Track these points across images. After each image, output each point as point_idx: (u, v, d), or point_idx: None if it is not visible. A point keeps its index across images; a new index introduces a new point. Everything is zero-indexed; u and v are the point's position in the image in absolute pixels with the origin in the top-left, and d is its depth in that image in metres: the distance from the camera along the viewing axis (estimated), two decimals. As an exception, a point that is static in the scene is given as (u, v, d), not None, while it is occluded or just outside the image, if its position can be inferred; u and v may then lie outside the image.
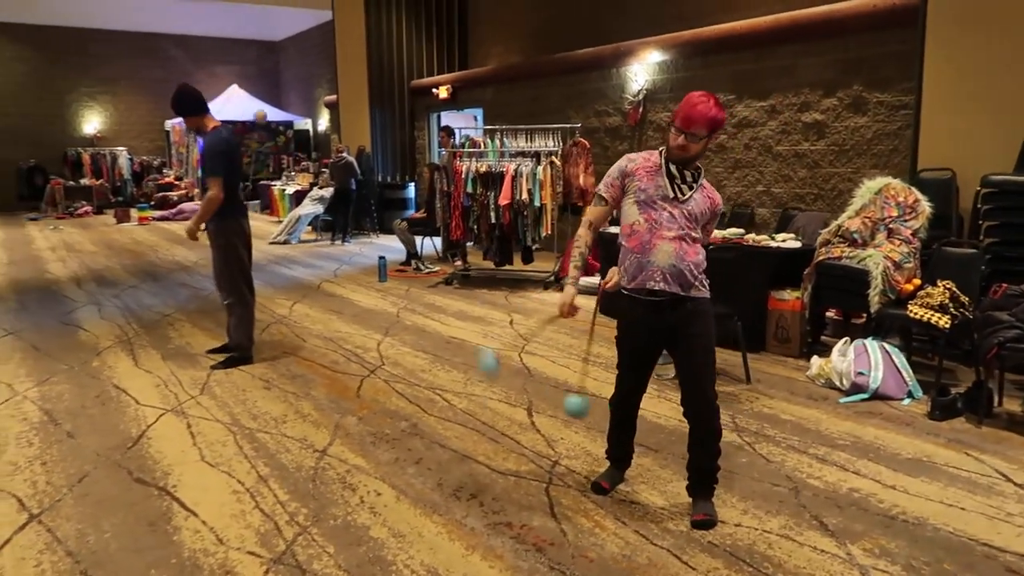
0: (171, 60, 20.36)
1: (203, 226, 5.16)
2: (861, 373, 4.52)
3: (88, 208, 17.55)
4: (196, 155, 18.28)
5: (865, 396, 4.46)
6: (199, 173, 18.12)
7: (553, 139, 8.14)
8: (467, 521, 3.03)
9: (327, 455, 3.69)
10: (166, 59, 20.30)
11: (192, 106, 5.13)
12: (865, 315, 5.22)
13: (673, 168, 2.93)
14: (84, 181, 18.39)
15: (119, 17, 18.27)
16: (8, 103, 18.49)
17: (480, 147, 8.32)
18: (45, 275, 9.15)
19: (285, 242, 12.02)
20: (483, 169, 7.81)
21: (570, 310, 3.04)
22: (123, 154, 19.36)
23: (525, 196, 7.62)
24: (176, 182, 18.66)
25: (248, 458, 3.65)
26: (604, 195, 3.05)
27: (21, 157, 18.28)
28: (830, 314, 5.96)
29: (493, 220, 7.83)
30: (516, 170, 7.66)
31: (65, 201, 17.43)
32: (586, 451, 3.70)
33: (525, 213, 7.74)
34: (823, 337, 5.70)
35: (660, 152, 2.99)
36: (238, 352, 5.24)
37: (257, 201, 17.86)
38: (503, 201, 7.66)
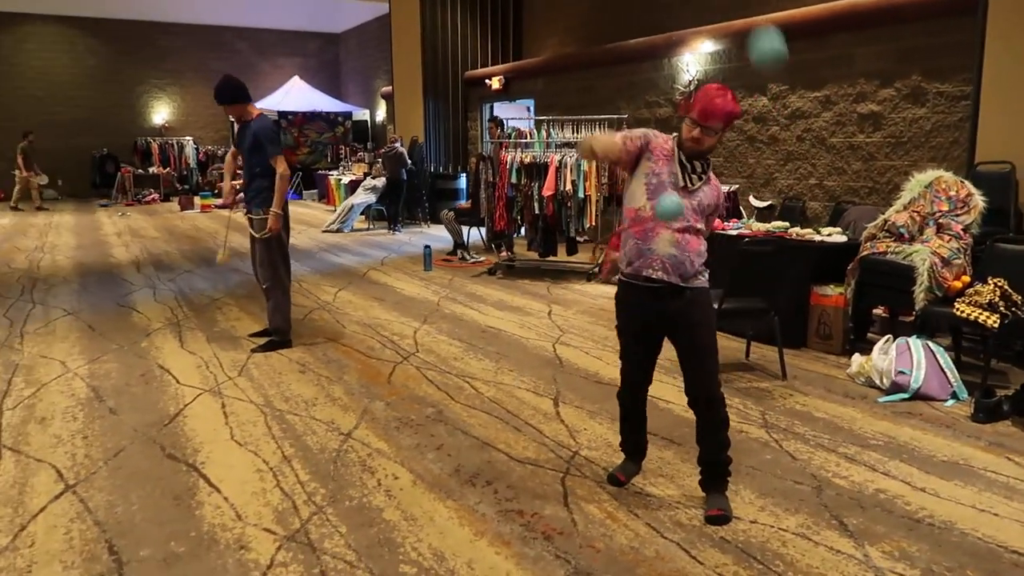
0: (236, 52, 20.91)
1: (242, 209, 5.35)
2: (902, 372, 4.37)
3: (155, 196, 18.19)
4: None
5: (905, 396, 4.31)
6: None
7: (600, 130, 8.07)
8: (479, 507, 3.05)
9: (351, 438, 3.75)
10: (231, 51, 20.86)
11: (235, 95, 5.27)
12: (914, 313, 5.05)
13: (684, 158, 2.88)
14: (152, 169, 19.06)
15: (186, 11, 18.86)
16: (82, 94, 19.28)
17: (526, 138, 8.30)
18: (108, 259, 9.53)
19: (338, 230, 12.24)
20: (527, 160, 7.80)
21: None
22: (189, 143, 19.97)
23: (569, 187, 7.59)
24: (239, 171, 19.14)
25: (275, 438, 3.74)
26: (634, 141, 2.92)
27: (95, 146, 19.05)
28: (878, 311, 5.77)
29: (537, 211, 7.83)
30: (560, 161, 7.63)
31: (134, 189, 18.10)
32: (607, 442, 3.68)
33: (569, 204, 7.71)
34: (870, 335, 5.53)
35: (674, 139, 2.94)
36: (277, 336, 5.37)
37: (315, 190, 18.23)
38: (547, 192, 7.64)
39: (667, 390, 4.34)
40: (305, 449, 3.62)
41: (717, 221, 6.10)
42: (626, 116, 8.61)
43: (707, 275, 2.98)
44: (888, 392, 4.38)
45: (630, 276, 2.96)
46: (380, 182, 12.34)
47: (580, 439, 3.74)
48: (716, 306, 4.58)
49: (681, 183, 2.86)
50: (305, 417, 4.04)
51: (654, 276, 2.87)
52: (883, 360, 4.51)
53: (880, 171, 7.19)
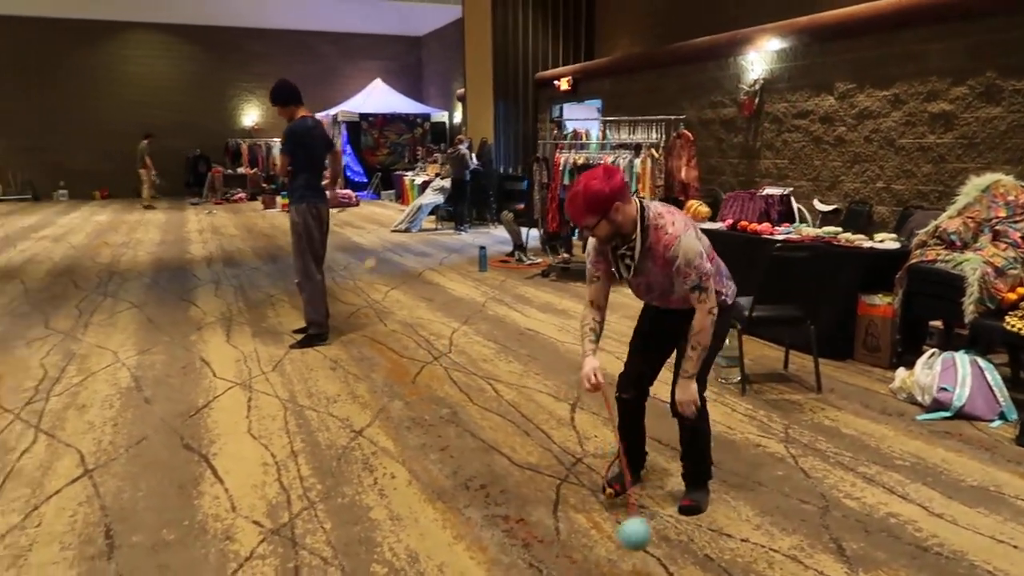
0: (321, 56, 21.58)
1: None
2: (944, 389, 4.11)
3: (242, 195, 18.97)
4: (339, 146, 19.32)
5: (947, 414, 4.05)
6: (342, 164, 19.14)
7: (657, 131, 7.93)
8: (467, 511, 3.04)
9: (361, 436, 3.81)
10: (317, 55, 21.54)
11: (285, 97, 5.47)
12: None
13: (611, 249, 2.87)
14: (240, 170, 19.88)
15: (276, 16, 19.57)
16: (179, 98, 20.31)
17: (582, 139, 8.22)
18: (185, 255, 10.00)
19: (406, 230, 12.45)
20: (581, 161, 7.73)
21: (595, 382, 2.82)
22: (276, 145, 20.73)
23: (621, 189, 7.48)
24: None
25: (289, 433, 3.84)
26: (594, 272, 2.95)
27: (188, 148, 20.02)
28: (935, 323, 5.43)
29: (589, 213, 7.74)
30: (613, 162, 7.53)
31: (223, 188, 18.92)
32: (615, 452, 3.60)
33: (621, 206, 7.59)
34: (927, 347, 5.21)
35: None
36: (312, 329, 5.51)
37: (392, 191, 18.61)
38: (598, 194, 7.56)
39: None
40: (314, 445, 3.70)
41: (763, 225, 5.90)
42: (683, 117, 8.43)
43: (723, 286, 2.95)
44: (928, 410, 4.13)
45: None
46: (448, 183, 12.49)
47: (588, 446, 3.68)
48: (746, 314, 4.44)
49: (620, 275, 2.91)
50: (323, 413, 4.12)
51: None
52: (926, 375, 4.25)
53: (951, 174, 6.77)
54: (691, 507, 3.02)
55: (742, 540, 2.82)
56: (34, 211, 16.49)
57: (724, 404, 4.27)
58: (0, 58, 18.59)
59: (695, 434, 3.03)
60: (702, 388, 2.95)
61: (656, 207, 2.81)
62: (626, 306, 6.26)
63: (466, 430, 3.89)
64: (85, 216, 15.37)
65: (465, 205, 12.40)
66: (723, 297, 2.90)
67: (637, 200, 2.81)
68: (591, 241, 2.91)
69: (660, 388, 3.34)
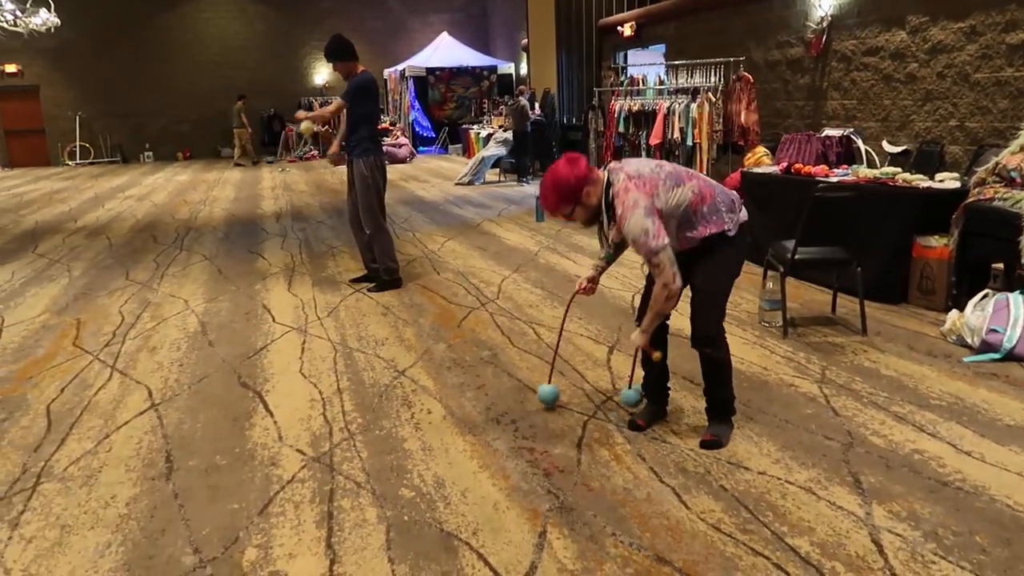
0: (389, 11, 21.70)
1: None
2: (994, 330, 4.00)
3: (315, 152, 19.45)
4: (407, 101, 19.52)
5: (996, 356, 3.95)
6: (409, 118, 19.36)
7: (716, 74, 7.76)
8: (495, 443, 3.19)
9: (404, 375, 4.00)
10: (385, 10, 21.66)
11: (341, 52, 5.60)
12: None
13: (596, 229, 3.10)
14: (297, 116, 20.31)
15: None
16: (252, 58, 20.85)
17: (639, 85, 8.12)
18: (256, 210, 10.42)
19: (469, 183, 12.58)
20: (635, 108, 7.66)
21: (587, 286, 3.36)
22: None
23: (677, 135, 7.38)
24: (390, 127, 20.03)
25: (337, 373, 4.06)
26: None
27: (263, 107, 20.58)
28: (998, 265, 5.23)
29: (645, 160, 7.69)
30: (669, 108, 7.43)
31: (296, 146, 19.43)
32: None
33: (677, 152, 7.51)
34: (989, 290, 5.04)
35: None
36: (387, 275, 5.75)
37: (459, 144, 18.74)
38: (654, 140, 7.49)
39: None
40: (359, 383, 3.91)
41: (819, 168, 5.78)
42: (743, 59, 8.20)
43: (723, 222, 2.92)
44: (977, 351, 4.03)
45: None
46: (510, 135, 12.51)
47: (620, 385, 3.76)
48: (789, 256, 4.39)
49: (603, 245, 3.23)
50: (370, 355, 4.33)
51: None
52: (977, 317, 4.14)
53: (1030, 109, 6.41)
54: (712, 441, 3.08)
55: (759, 473, 2.87)
56: (122, 173, 17.36)
57: (763, 346, 4.28)
58: (86, 26, 19.42)
59: (715, 365, 3.09)
60: (718, 322, 3.05)
61: (622, 179, 2.84)
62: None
63: (503, 370, 4.03)
64: (168, 176, 16.10)
65: (527, 156, 12.42)
66: (725, 228, 2.95)
67: (605, 174, 2.91)
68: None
69: (681, 321, 3.37)
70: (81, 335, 4.89)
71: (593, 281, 3.30)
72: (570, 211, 2.91)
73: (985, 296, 4.24)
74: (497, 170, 13.45)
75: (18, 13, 14.51)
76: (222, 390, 3.89)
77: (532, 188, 11.81)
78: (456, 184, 12.60)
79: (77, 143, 19.93)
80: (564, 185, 2.84)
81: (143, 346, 4.64)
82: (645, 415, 3.31)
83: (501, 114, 16.45)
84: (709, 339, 3.04)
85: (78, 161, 19.88)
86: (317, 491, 2.85)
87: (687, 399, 3.55)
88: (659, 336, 3.24)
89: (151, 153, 20.56)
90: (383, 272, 5.79)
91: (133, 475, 3.02)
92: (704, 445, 3.08)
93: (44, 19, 14.67)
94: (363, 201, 5.67)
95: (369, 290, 5.75)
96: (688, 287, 3.05)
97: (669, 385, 3.37)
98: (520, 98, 12.08)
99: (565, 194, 2.85)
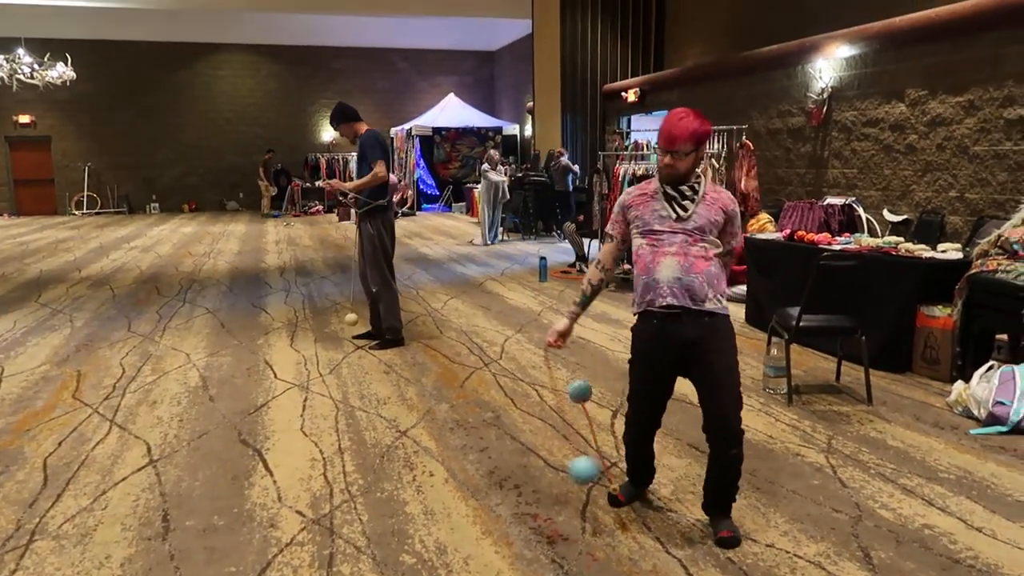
0: (398, 72, 22.20)
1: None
2: (1001, 403, 3.98)
3: (319, 207, 19.64)
4: (412, 160, 19.81)
5: (1003, 429, 3.92)
6: (415, 176, 19.60)
7: (719, 141, 7.89)
8: (498, 509, 3.14)
9: (406, 436, 3.96)
10: (394, 71, 22.16)
11: (343, 116, 5.74)
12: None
13: (670, 189, 2.85)
14: (318, 183, 20.58)
15: (357, 35, 20.24)
16: (263, 114, 21.25)
17: (642, 150, 8.25)
18: (260, 264, 10.47)
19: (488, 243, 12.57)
20: (640, 172, 7.76)
21: (557, 340, 3.05)
22: (353, 158, 21.40)
23: (680, 199, 7.46)
24: (396, 184, 20.29)
25: (338, 432, 4.02)
26: (610, 232, 3.02)
27: (272, 163, 20.86)
28: (1002, 336, 5.23)
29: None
30: (672, 173, 7.53)
31: (301, 201, 19.64)
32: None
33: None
34: (994, 361, 5.03)
35: (656, 179, 2.93)
36: (390, 335, 5.74)
37: (463, 203, 18.94)
38: (657, 204, 7.57)
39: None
40: (360, 443, 3.87)
41: (822, 236, 5.81)
42: (745, 127, 8.35)
43: (725, 301, 2.88)
44: (984, 424, 4.00)
45: (643, 311, 2.89)
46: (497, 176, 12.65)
47: (624, 451, 3.72)
48: (793, 323, 4.40)
49: (671, 215, 2.83)
50: (372, 414, 4.30)
51: (664, 303, 2.79)
52: (983, 389, 4.13)
53: (1029, 182, 6.50)
54: (732, 539, 2.82)
55: (767, 545, 2.82)
56: (128, 223, 17.50)
57: (768, 414, 4.25)
58: (102, 80, 19.85)
59: (738, 465, 2.85)
60: (739, 414, 2.86)
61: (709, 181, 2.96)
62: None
63: (507, 433, 4.00)
64: (173, 228, 16.23)
65: (572, 214, 12.46)
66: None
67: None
68: (620, 200, 3.01)
69: (685, 385, 3.35)
70: (81, 387, 4.86)
71: (565, 334, 3.05)
72: (690, 151, 2.78)
73: (991, 368, 4.23)
74: (501, 229, 13.53)
75: (35, 66, 14.85)
76: (222, 447, 3.84)
77: (533, 247, 11.89)
78: (472, 244, 12.57)
79: (85, 193, 20.15)
80: (701, 129, 2.77)
81: (143, 400, 4.60)
82: (625, 492, 3.21)
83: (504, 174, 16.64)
84: (736, 437, 2.81)
85: (85, 211, 20.06)
86: (316, 555, 2.79)
87: (692, 467, 3.51)
88: (642, 454, 3.17)
89: (157, 204, 20.77)
90: (386, 331, 5.78)
91: (129, 534, 2.96)
92: (724, 543, 2.81)
93: (60, 72, 15.02)
94: (370, 260, 5.71)
95: (371, 348, 5.74)
96: (699, 377, 2.87)
97: (655, 467, 3.24)
98: (562, 158, 12.39)
99: (700, 136, 2.77)
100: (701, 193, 2.85)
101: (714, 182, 7.44)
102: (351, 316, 6.14)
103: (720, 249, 2.87)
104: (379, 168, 5.55)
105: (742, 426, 2.85)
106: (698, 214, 2.82)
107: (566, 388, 3.32)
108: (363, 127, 5.79)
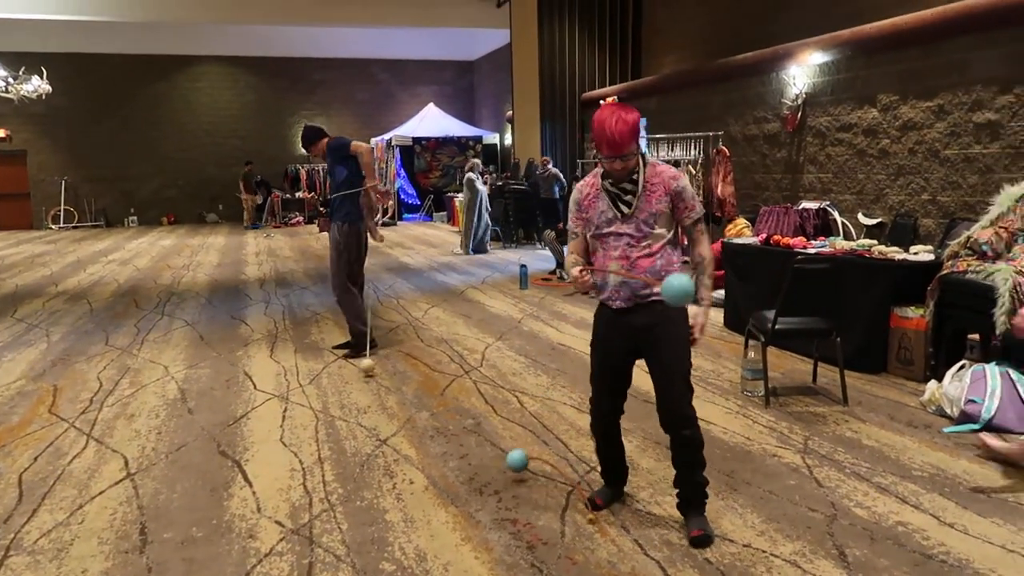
0: (378, 83, 22.21)
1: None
2: (972, 401, 4.04)
3: (300, 219, 19.58)
4: (393, 169, 19.79)
5: (975, 427, 3.97)
6: (395, 186, 19.59)
7: (696, 148, 7.97)
8: (478, 515, 3.15)
9: (386, 444, 3.96)
10: (374, 82, 22.17)
11: (311, 136, 5.89)
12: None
13: (611, 187, 2.86)
14: (299, 194, 20.53)
15: (340, 46, 20.25)
16: (241, 126, 21.17)
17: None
18: (240, 276, 10.42)
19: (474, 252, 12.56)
20: (618, 179, 7.81)
21: (583, 278, 2.86)
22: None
23: (658, 206, 7.52)
24: (388, 192, 20.26)
25: (318, 441, 4.02)
26: (574, 229, 3.05)
27: (251, 174, 20.77)
28: (974, 336, 5.32)
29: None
30: (650, 179, 7.59)
31: (282, 212, 19.57)
32: (629, 460, 3.66)
33: (658, 223, 7.63)
34: (965, 360, 5.10)
35: (597, 174, 2.94)
36: (353, 337, 5.79)
37: (444, 212, 18.95)
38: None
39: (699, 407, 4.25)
40: (340, 452, 3.86)
41: (797, 239, 5.87)
42: (721, 133, 8.44)
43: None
44: (957, 422, 4.06)
45: (601, 300, 3.03)
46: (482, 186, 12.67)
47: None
48: (769, 326, 4.45)
49: (615, 215, 2.86)
50: (352, 423, 4.30)
51: (615, 306, 2.93)
52: (955, 388, 4.19)
53: (998, 184, 6.59)
54: (702, 537, 2.86)
55: (744, 545, 2.85)
56: (105, 237, 17.35)
57: (746, 416, 4.29)
58: (78, 94, 19.68)
59: (695, 447, 2.90)
60: (691, 399, 2.91)
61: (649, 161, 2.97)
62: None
63: (487, 439, 4.01)
64: (152, 241, 16.11)
65: (555, 221, 12.49)
66: None
67: None
68: (573, 196, 3.01)
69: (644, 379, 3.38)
70: (57, 402, 4.82)
71: (584, 270, 2.88)
72: (634, 149, 2.77)
73: (963, 367, 4.30)
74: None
75: (10, 80, 14.72)
76: (200, 459, 3.83)
77: (514, 254, 11.92)
78: (454, 253, 12.57)
79: (61, 207, 19.96)
80: (634, 122, 2.75)
81: (120, 413, 4.57)
82: (603, 496, 3.24)
83: (486, 183, 16.67)
84: (688, 419, 2.88)
85: (61, 225, 19.87)
86: (295, 564, 2.79)
87: (670, 470, 3.51)
88: (611, 446, 3.20)
89: (135, 217, 20.61)
90: (351, 333, 5.82)
91: (106, 548, 2.94)
92: (696, 543, 2.84)
93: (36, 86, 14.87)
94: (332, 265, 5.77)
95: (346, 356, 5.73)
96: (651, 361, 2.94)
97: (627, 465, 3.29)
98: (549, 166, 12.45)
99: (634, 130, 2.75)
100: (641, 184, 2.85)
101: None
102: (367, 362, 5.38)
103: (668, 236, 2.88)
104: (359, 146, 5.67)
105: (692, 411, 2.91)
106: (640, 208, 2.84)
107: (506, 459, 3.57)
108: (327, 139, 5.86)
